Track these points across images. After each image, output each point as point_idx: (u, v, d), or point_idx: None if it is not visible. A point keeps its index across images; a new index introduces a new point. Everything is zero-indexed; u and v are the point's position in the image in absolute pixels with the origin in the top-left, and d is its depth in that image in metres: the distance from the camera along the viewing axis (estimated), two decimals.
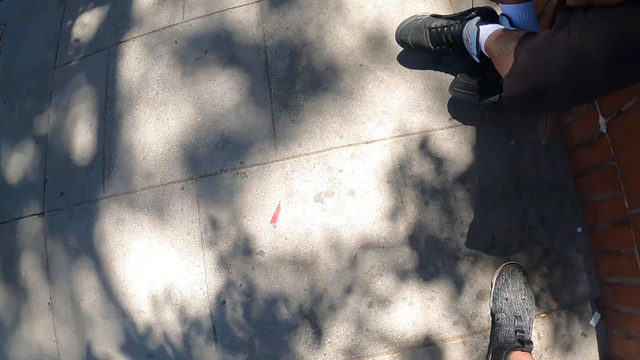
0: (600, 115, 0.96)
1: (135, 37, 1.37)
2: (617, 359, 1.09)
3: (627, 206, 0.92)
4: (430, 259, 1.10)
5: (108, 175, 1.27)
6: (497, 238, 1.10)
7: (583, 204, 1.11)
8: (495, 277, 1.08)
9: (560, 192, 1.12)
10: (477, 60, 1.06)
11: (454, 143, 1.13)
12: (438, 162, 1.12)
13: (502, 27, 1.01)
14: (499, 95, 1.04)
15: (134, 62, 1.34)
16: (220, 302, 1.15)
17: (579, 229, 1.11)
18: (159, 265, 1.20)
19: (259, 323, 1.14)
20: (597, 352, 1.11)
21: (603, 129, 0.96)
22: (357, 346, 1.11)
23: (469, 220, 1.10)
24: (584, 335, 1.11)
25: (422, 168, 1.11)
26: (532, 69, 0.76)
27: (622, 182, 0.93)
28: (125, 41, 1.39)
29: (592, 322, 1.11)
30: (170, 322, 1.17)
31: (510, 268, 1.07)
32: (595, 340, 1.11)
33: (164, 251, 1.20)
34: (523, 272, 1.07)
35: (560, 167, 1.13)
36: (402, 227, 1.10)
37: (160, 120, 1.25)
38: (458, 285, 1.10)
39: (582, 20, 0.70)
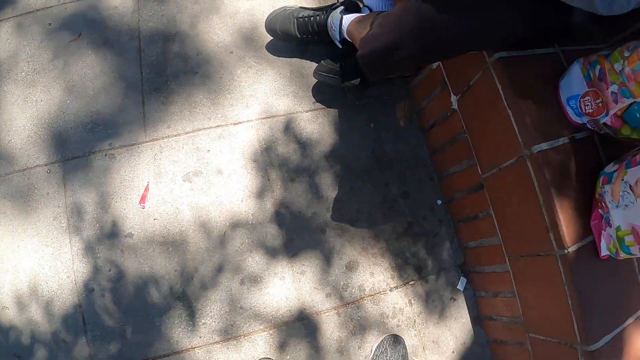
0: (452, 94, 1.10)
1: (8, 18, 1.33)
2: (485, 317, 1.20)
3: (480, 172, 1.06)
4: (299, 233, 1.15)
5: None
6: (361, 212, 1.18)
7: (440, 178, 1.23)
8: (377, 344, 1.14)
9: (419, 169, 1.23)
10: (340, 46, 1.16)
11: (318, 124, 1.21)
12: (303, 142, 1.19)
13: (363, 15, 1.12)
14: (359, 78, 1.14)
15: (4, 43, 1.29)
16: (89, 290, 1.11)
17: (439, 202, 1.23)
18: (24, 255, 1.14)
19: (130, 309, 1.11)
20: (467, 314, 1.22)
21: (455, 106, 1.10)
22: (232, 325, 1.12)
23: (333, 196, 1.17)
24: (453, 299, 1.21)
25: (287, 148, 1.18)
26: (385, 30, 0.86)
27: (474, 151, 1.07)
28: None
29: (459, 287, 1.22)
30: (37, 316, 1.11)
31: (392, 339, 1.14)
32: (464, 303, 1.23)
33: (28, 239, 1.14)
34: (403, 345, 1.14)
35: (418, 147, 1.25)
36: (270, 204, 1.14)
37: (28, 102, 1.21)
38: (327, 258, 1.16)
39: None
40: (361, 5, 1.18)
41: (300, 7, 1.25)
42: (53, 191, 1.16)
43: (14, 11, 1.34)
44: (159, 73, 1.22)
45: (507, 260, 1.06)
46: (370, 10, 1.16)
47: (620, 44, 0.79)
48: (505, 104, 0.91)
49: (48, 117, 1.21)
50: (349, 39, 1.11)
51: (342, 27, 1.12)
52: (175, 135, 1.15)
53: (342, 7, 1.15)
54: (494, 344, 1.21)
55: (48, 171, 1.17)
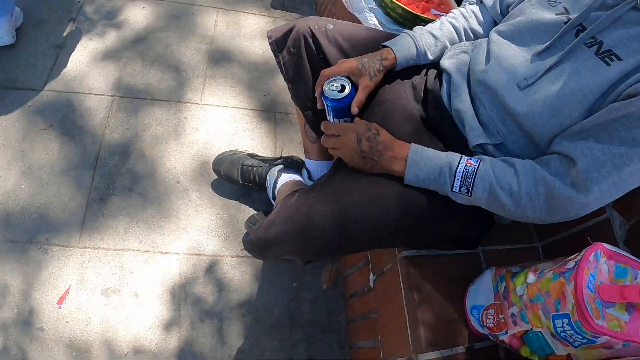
0: (371, 272, 1.15)
1: None
2: None
3: (382, 356, 1.09)
4: None
5: None
6: None
7: (351, 349, 1.27)
8: None
9: (332, 335, 1.28)
10: (273, 202, 1.23)
11: (240, 272, 1.30)
12: (221, 286, 1.27)
13: (298, 178, 1.19)
14: None
15: None
16: None
17: None
18: None
19: None
20: None
21: (372, 284, 1.15)
22: None
23: (238, 345, 1.24)
24: None
25: (205, 288, 1.26)
26: (272, 221, 0.87)
27: (379, 334, 1.10)
28: None
29: None
30: None
31: None
32: None
33: None
34: None
35: (336, 312, 1.31)
36: (175, 338, 1.22)
37: None
38: None
39: (331, 179, 0.85)
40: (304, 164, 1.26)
41: (249, 154, 1.35)
42: None
43: (1, 82, 1.49)
44: (108, 185, 1.34)
45: None
46: (309, 173, 1.23)
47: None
48: (404, 303, 0.95)
49: (1, 194, 1.33)
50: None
51: (277, 186, 1.20)
52: (105, 249, 1.26)
53: (282, 166, 1.24)
54: None
55: None
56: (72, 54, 1.62)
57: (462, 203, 0.77)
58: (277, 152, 1.52)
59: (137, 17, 1.80)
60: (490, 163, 0.75)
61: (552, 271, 0.70)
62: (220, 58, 1.75)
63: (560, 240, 1.00)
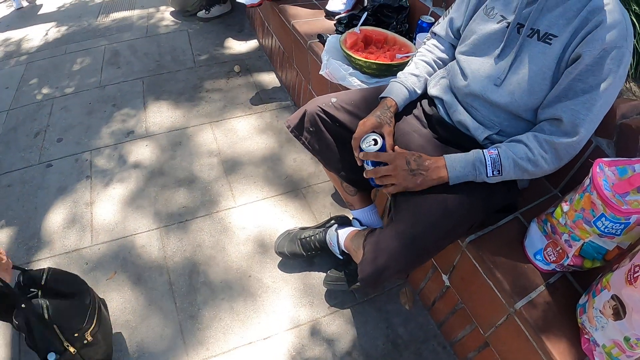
0: (442, 274, 1.46)
1: (47, 258, 1.74)
2: None
3: (482, 332, 1.37)
4: None
5: None
6: None
7: (452, 345, 1.56)
8: None
9: (431, 342, 1.57)
10: (340, 257, 1.56)
11: (336, 325, 1.58)
12: (327, 343, 1.54)
13: (355, 228, 1.50)
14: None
15: None
16: None
17: None
18: None
19: None
20: None
21: (447, 283, 1.47)
22: None
23: None
24: None
25: (314, 350, 1.52)
26: (375, 255, 1.17)
27: (472, 317, 1.40)
28: (37, 261, 1.74)
29: None
30: None
31: None
32: None
33: None
34: None
35: (426, 323, 1.61)
36: None
37: None
38: None
39: (398, 208, 1.15)
40: (351, 218, 1.62)
41: (301, 228, 1.71)
42: None
43: (51, 251, 1.76)
44: (191, 302, 1.61)
45: None
46: (359, 221, 1.55)
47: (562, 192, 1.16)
48: (484, 276, 1.27)
49: None
50: (346, 251, 1.50)
51: (339, 242, 1.53)
52: (215, 356, 1.49)
53: (336, 225, 1.59)
54: None
55: None
56: (104, 205, 1.94)
57: (496, 182, 1.13)
58: (318, 220, 1.88)
59: (145, 154, 2.18)
60: (505, 146, 1.12)
61: (577, 194, 1.05)
62: (233, 164, 2.15)
63: (570, 179, 1.40)
